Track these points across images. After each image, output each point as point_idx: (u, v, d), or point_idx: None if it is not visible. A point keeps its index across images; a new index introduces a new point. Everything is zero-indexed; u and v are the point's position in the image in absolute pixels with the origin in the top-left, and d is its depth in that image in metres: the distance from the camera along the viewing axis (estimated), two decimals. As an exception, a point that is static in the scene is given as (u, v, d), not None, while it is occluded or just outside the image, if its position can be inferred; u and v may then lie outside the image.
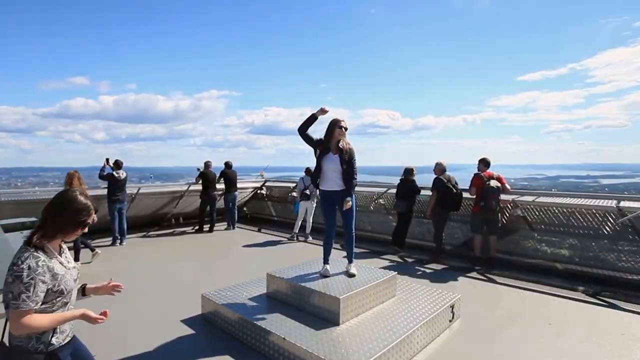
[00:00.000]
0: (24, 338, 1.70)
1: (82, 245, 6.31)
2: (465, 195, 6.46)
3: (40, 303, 1.66)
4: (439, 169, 6.58)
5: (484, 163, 6.31)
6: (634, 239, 5.36)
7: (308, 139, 3.99)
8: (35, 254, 1.68)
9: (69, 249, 6.12)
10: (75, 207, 1.78)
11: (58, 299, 1.75)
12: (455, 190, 6.39)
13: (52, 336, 1.76)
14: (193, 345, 3.57)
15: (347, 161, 3.89)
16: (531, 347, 3.57)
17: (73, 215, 1.78)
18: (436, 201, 6.43)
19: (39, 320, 1.65)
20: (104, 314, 1.86)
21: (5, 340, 1.77)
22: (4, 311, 1.68)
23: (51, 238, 1.77)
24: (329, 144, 3.93)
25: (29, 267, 1.63)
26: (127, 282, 5.51)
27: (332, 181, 3.95)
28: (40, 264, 1.67)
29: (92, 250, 6.34)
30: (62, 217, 1.76)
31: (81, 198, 1.80)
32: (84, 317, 1.81)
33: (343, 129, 3.89)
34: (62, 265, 1.80)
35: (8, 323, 1.71)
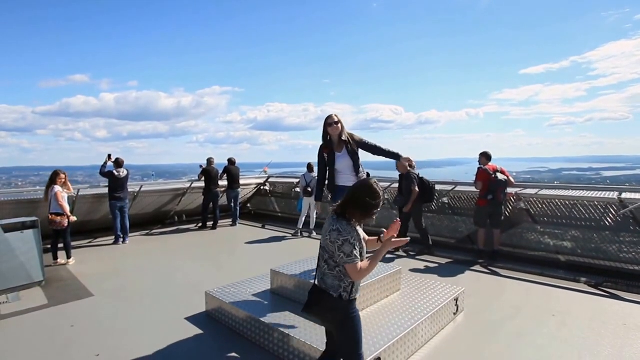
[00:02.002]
0: (335, 288, 2.24)
1: (61, 246, 6.22)
2: (441, 188, 6.62)
3: (360, 257, 2.21)
4: (404, 165, 6.64)
5: (486, 157, 6.29)
6: (636, 230, 5.38)
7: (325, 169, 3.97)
8: (350, 223, 2.24)
9: (61, 248, 6.11)
10: (376, 194, 2.24)
11: (363, 254, 2.26)
12: (429, 185, 6.58)
13: (352, 289, 2.27)
14: (197, 342, 3.59)
15: (356, 151, 3.84)
16: (535, 338, 3.60)
17: (371, 200, 2.23)
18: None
19: (366, 265, 2.20)
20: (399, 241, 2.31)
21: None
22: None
23: (353, 214, 2.28)
24: (331, 144, 3.87)
25: (348, 232, 2.18)
26: (131, 281, 5.61)
27: (345, 177, 3.88)
28: (351, 227, 2.22)
29: (69, 257, 6.23)
30: (363, 200, 2.23)
31: (378, 189, 2.26)
32: (387, 247, 2.27)
33: (334, 124, 3.76)
34: (359, 231, 2.32)
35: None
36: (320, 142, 3.95)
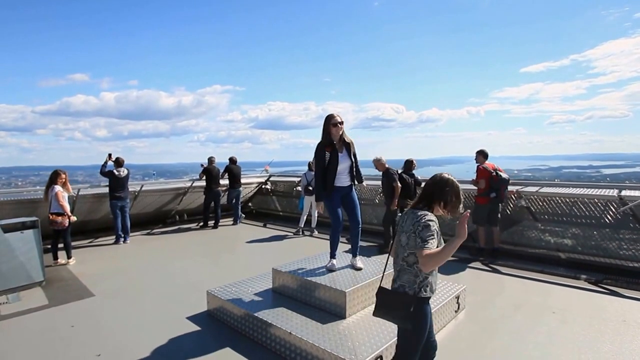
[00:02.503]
0: (410, 283, 2.26)
1: (61, 246, 6.21)
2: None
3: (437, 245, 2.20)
4: (381, 163, 6.71)
5: (483, 155, 6.32)
6: (635, 228, 5.39)
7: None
8: (431, 213, 2.28)
9: (61, 248, 6.10)
10: (455, 187, 2.33)
11: (439, 241, 2.26)
12: (407, 181, 6.67)
13: (427, 286, 2.28)
14: (199, 341, 3.59)
15: (354, 155, 3.91)
16: (536, 335, 3.62)
17: (452, 193, 2.31)
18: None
19: (435, 251, 2.14)
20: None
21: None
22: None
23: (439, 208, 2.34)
24: (335, 143, 3.86)
25: (432, 220, 2.22)
26: (132, 280, 5.61)
27: (343, 178, 3.94)
28: (434, 219, 2.26)
29: (69, 257, 6.23)
30: (444, 192, 2.30)
31: (456, 182, 2.35)
32: (460, 238, 2.16)
33: (338, 124, 3.80)
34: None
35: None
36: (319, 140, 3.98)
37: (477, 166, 6.30)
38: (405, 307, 2.25)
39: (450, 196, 2.31)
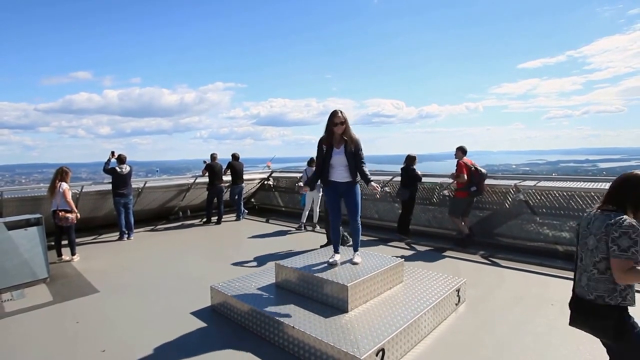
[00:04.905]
0: (610, 292, 2.03)
1: (65, 242, 6.25)
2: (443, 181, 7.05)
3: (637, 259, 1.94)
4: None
5: (462, 151, 6.55)
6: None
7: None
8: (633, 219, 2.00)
9: (65, 245, 6.13)
10: None
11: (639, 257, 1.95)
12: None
13: (629, 295, 2.04)
14: (203, 336, 3.62)
15: (354, 152, 3.92)
16: (535, 327, 3.68)
17: None
18: None
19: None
20: None
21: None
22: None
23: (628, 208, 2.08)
24: (332, 139, 3.94)
25: (632, 228, 1.94)
26: (136, 276, 5.64)
27: (338, 173, 3.99)
28: (637, 227, 1.95)
29: (73, 253, 6.27)
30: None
31: None
32: None
33: (339, 124, 3.86)
34: None
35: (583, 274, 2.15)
36: (321, 135, 4.04)
37: (457, 161, 6.50)
38: (611, 320, 2.06)
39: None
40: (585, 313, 2.16)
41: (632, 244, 1.92)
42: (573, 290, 2.28)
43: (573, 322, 2.28)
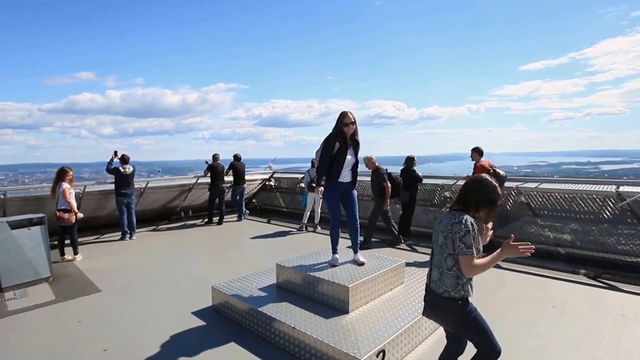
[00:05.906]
0: (454, 286, 2.22)
1: (68, 242, 6.26)
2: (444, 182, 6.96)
3: (478, 253, 2.18)
4: (371, 161, 6.77)
5: (478, 152, 6.31)
6: (633, 223, 5.45)
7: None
8: (469, 215, 2.21)
9: (68, 244, 6.15)
10: (490, 187, 2.26)
11: (480, 251, 2.22)
12: (396, 180, 6.83)
13: (469, 287, 2.26)
14: (204, 336, 3.64)
15: (357, 154, 4.01)
16: (536, 328, 3.68)
17: (487, 194, 2.25)
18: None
19: (482, 262, 2.17)
20: (528, 247, 2.23)
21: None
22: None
23: (470, 208, 2.27)
24: (346, 138, 3.94)
25: (472, 224, 2.16)
26: (138, 276, 5.66)
27: (346, 174, 4.02)
28: (474, 222, 2.19)
29: (76, 253, 6.29)
30: (479, 195, 2.25)
31: (492, 181, 2.29)
32: (507, 252, 2.21)
33: (350, 125, 3.89)
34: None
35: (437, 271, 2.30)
36: (325, 135, 4.04)
37: (475, 164, 6.32)
38: (452, 312, 2.27)
39: (488, 200, 2.25)
40: (436, 306, 2.34)
41: (474, 241, 2.15)
42: (427, 285, 2.45)
43: (425, 313, 2.45)
